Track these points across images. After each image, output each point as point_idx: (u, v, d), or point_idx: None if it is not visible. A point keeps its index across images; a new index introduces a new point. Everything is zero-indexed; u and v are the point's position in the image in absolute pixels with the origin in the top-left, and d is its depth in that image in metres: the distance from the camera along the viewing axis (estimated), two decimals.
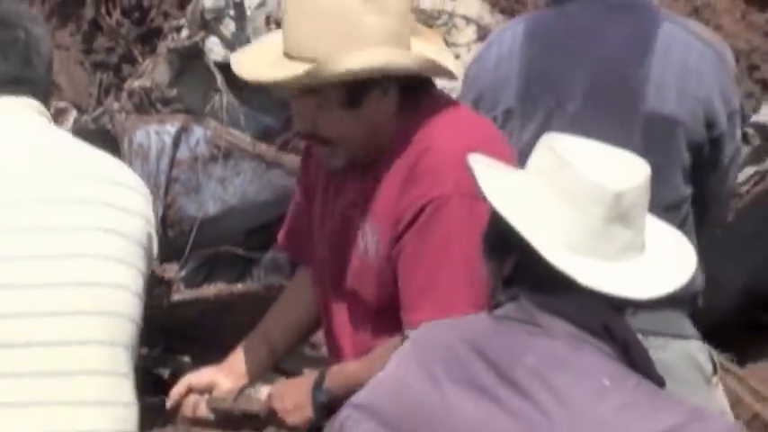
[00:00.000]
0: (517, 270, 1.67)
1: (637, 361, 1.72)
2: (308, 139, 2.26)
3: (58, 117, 3.86)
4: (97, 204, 2.01)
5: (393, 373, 1.78)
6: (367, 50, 2.02)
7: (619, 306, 1.68)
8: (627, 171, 1.69)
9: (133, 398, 1.91)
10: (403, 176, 2.14)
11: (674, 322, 2.34)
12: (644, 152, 1.74)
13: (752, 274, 3.96)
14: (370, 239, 2.23)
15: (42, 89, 2.13)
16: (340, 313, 2.26)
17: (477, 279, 1.84)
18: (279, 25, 3.32)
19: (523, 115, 2.33)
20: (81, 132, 3.70)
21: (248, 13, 3.72)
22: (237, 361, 2.43)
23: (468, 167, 1.71)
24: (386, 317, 2.11)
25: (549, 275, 1.61)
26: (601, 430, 1.62)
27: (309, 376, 2.13)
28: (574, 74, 2.34)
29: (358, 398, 1.82)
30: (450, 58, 2.22)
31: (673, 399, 1.76)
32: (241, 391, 2.27)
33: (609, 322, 1.68)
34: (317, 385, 2.03)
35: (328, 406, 2.02)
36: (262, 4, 3.77)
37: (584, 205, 1.62)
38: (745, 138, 3.54)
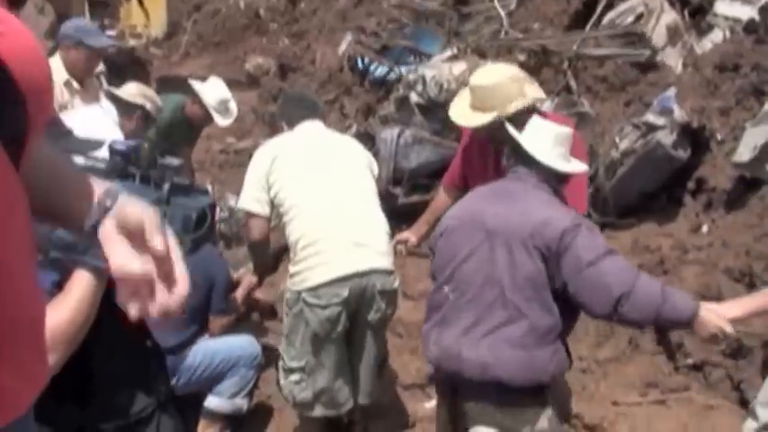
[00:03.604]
0: (518, 160, 3.21)
1: (561, 198, 3.20)
2: (489, 141, 3.77)
3: (347, 128, 6.52)
4: (364, 160, 4.16)
5: (464, 202, 3.37)
6: (510, 105, 3.54)
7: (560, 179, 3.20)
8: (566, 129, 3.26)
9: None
10: None
11: None
12: None
13: None
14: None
15: (321, 117, 4.28)
16: None
17: None
18: (439, 89, 5.96)
19: None
20: (359, 135, 6.15)
21: (428, 81, 6.09)
22: (415, 229, 4.39)
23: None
24: None
25: (534, 164, 3.14)
26: (532, 214, 3.05)
27: None
28: None
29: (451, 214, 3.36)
30: (519, 104, 3.62)
31: (561, 209, 3.12)
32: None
33: (547, 179, 3.16)
34: None
35: None
36: (439, 83, 6.03)
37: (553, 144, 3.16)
38: None
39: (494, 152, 3.86)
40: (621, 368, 4.55)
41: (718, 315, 2.99)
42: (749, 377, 4.30)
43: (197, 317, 4.26)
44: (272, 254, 5.02)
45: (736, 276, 4.70)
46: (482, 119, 3.60)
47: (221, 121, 5.63)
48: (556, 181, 3.21)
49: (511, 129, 3.25)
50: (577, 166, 3.27)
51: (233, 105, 5.69)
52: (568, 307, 3.08)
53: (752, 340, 4.18)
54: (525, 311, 2.99)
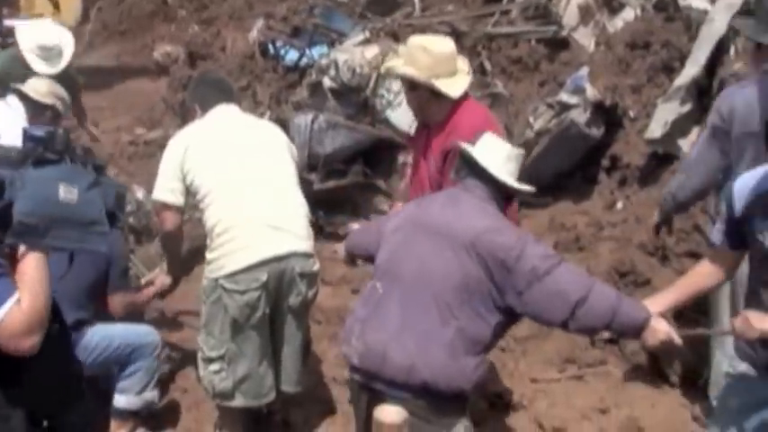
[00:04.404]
0: (469, 173, 3.19)
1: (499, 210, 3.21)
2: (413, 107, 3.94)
3: (260, 115, 6.26)
4: (283, 143, 4.13)
5: (412, 204, 3.42)
6: (443, 80, 3.71)
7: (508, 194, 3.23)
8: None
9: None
10: (446, 134, 3.77)
11: None
12: None
13: None
14: (432, 162, 3.86)
15: (237, 101, 4.22)
16: (425, 177, 3.85)
17: None
18: (352, 73, 6.06)
19: None
20: (272, 122, 5.54)
21: (340, 65, 6.13)
22: None
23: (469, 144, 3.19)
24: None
25: (484, 178, 3.15)
26: (478, 221, 3.06)
27: None
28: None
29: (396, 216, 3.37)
30: (452, 88, 3.77)
31: (507, 222, 3.17)
32: None
33: (496, 196, 3.19)
34: None
35: None
36: (352, 67, 6.09)
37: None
38: None
39: (425, 136, 3.92)
40: (540, 345, 4.68)
41: (666, 324, 3.03)
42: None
43: (95, 294, 4.19)
44: (186, 252, 4.96)
45: (650, 251, 4.87)
46: (413, 72, 3.72)
47: (38, 66, 5.30)
48: (502, 198, 3.23)
49: (463, 143, 3.27)
50: (525, 187, 3.29)
51: (66, 53, 5.47)
52: (507, 320, 3.09)
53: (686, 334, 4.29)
54: (457, 314, 2.98)
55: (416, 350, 2.97)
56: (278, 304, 3.94)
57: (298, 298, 3.94)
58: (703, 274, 3.18)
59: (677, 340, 3.03)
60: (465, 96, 3.83)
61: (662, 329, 3.01)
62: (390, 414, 2.44)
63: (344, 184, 6.20)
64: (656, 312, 3.05)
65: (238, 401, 4.00)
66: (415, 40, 3.93)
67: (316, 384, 4.66)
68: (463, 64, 3.95)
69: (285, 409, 4.41)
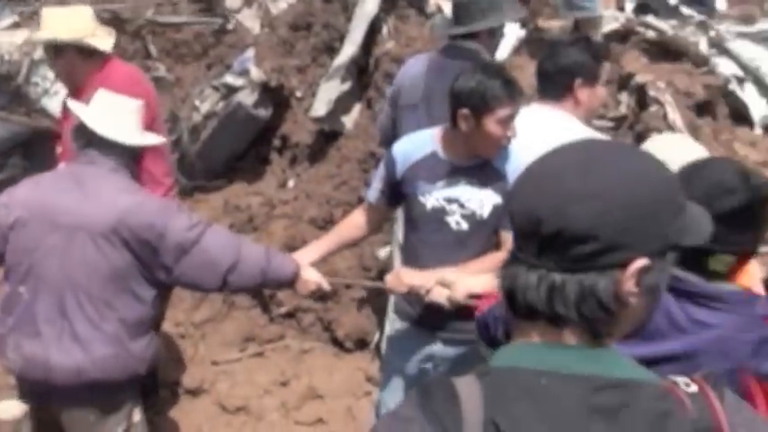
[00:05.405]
0: (89, 142, 3.01)
1: (140, 180, 3.22)
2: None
3: None
4: None
5: (30, 189, 3.07)
6: (89, 39, 3.70)
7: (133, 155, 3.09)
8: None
9: None
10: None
11: None
12: None
13: None
14: None
15: None
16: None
17: None
18: (0, 61, 5.73)
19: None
20: None
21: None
22: None
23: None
24: None
25: (103, 144, 2.97)
26: (113, 202, 2.90)
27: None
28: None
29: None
30: (100, 43, 3.83)
31: (143, 194, 3.05)
32: None
33: (126, 162, 3.05)
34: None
35: None
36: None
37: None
38: None
39: None
40: (219, 327, 4.75)
41: (316, 272, 3.23)
42: (337, 317, 4.72)
43: None
44: None
45: (320, 225, 5.11)
46: (59, 34, 3.66)
47: None
48: (131, 160, 3.10)
49: (74, 104, 3.12)
50: (150, 139, 3.20)
51: None
52: (162, 292, 3.11)
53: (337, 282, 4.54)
54: (114, 306, 2.94)
55: (81, 352, 2.91)
56: None
57: None
58: (354, 226, 3.43)
59: (326, 286, 3.26)
60: (110, 57, 3.84)
61: (311, 279, 3.22)
62: (11, 408, 2.35)
63: (2, 178, 5.73)
64: (308, 263, 3.25)
65: None
66: (51, 9, 3.92)
67: None
68: (103, 30, 3.95)
69: None
